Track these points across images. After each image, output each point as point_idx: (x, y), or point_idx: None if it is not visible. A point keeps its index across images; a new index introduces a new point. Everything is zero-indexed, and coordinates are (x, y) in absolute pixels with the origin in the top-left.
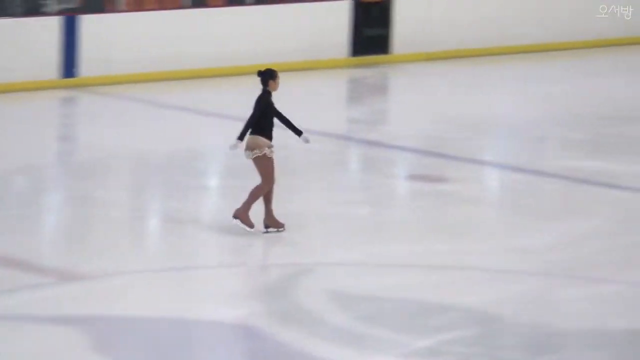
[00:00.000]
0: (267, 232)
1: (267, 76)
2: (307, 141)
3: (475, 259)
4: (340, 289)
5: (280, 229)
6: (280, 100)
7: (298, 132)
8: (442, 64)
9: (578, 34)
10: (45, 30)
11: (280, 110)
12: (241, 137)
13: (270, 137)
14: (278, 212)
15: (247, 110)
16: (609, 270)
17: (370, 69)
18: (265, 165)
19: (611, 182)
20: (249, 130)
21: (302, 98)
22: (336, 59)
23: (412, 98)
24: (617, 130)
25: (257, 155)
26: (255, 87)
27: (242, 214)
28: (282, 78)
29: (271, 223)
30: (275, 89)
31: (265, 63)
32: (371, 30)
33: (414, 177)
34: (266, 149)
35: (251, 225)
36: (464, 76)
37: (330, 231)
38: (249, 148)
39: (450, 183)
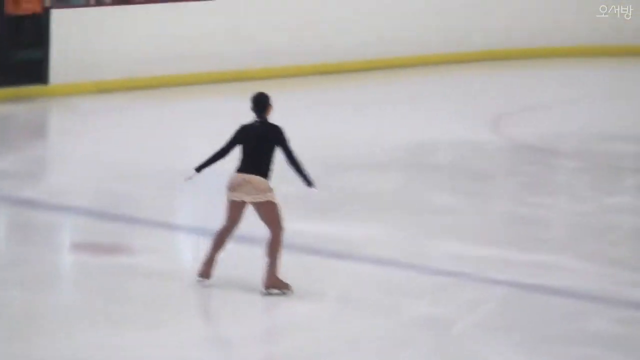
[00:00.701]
0: (201, 280)
1: (267, 102)
2: None
3: (161, 355)
4: None
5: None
6: None
7: None
8: (116, 97)
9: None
10: None
11: None
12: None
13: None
14: None
15: None
16: None
17: (22, 104)
18: (275, 209)
19: (342, 251)
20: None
21: None
22: None
23: (79, 142)
24: (345, 181)
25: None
26: None
27: (274, 280)
28: None
29: (205, 272)
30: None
31: None
32: (22, 53)
33: (81, 247)
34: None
35: (287, 286)
36: (147, 112)
37: None
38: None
39: (131, 254)
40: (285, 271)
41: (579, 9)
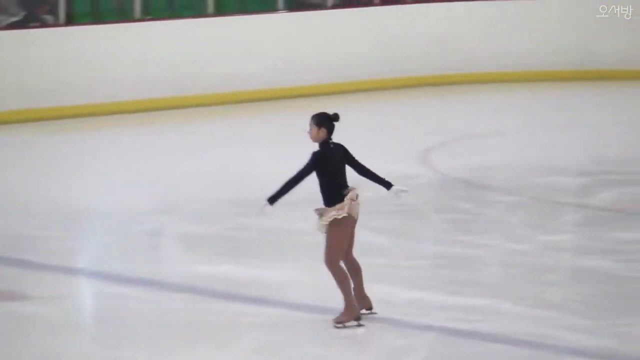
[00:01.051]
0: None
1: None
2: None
3: None
4: None
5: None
6: None
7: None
8: (14, 130)
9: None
10: None
11: None
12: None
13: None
14: None
15: None
16: None
17: None
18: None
19: (257, 296)
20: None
21: None
22: None
23: None
24: (263, 220)
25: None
26: None
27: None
28: None
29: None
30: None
31: None
32: None
33: None
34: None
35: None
36: (48, 146)
37: None
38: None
39: (25, 302)
40: (195, 319)
41: (525, 34)
